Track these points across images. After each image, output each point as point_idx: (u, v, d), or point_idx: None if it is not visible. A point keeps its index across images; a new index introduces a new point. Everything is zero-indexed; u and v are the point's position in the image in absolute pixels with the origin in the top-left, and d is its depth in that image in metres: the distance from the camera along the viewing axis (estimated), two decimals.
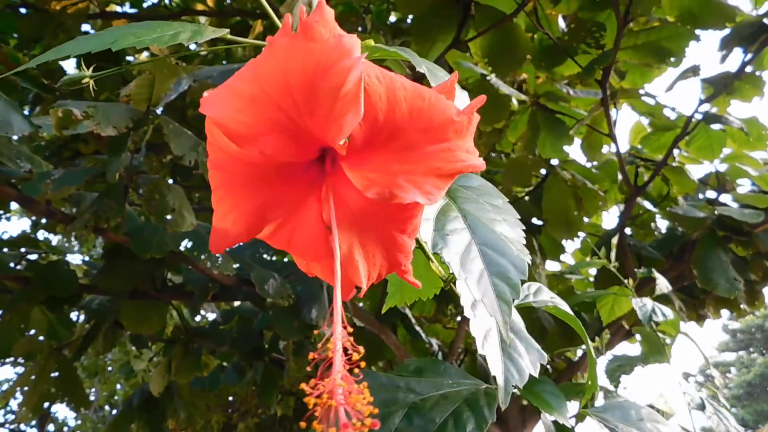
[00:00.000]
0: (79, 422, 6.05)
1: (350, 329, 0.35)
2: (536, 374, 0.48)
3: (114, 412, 5.63)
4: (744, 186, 2.69)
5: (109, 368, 4.61)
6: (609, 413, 0.59)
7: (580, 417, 0.58)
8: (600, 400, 0.66)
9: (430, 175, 0.36)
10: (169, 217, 1.62)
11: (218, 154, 0.37)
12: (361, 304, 2.69)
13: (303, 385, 0.33)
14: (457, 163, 0.35)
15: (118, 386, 5.02)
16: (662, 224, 2.83)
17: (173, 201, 1.65)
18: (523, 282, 0.43)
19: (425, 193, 0.36)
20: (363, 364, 0.34)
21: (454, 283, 0.55)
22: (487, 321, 0.47)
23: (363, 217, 0.41)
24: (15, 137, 1.81)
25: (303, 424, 0.32)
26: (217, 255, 1.81)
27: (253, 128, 0.34)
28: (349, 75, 0.31)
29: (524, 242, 0.45)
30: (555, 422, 0.54)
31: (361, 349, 0.35)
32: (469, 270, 0.42)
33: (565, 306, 0.55)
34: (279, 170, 0.38)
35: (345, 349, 0.34)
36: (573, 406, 0.62)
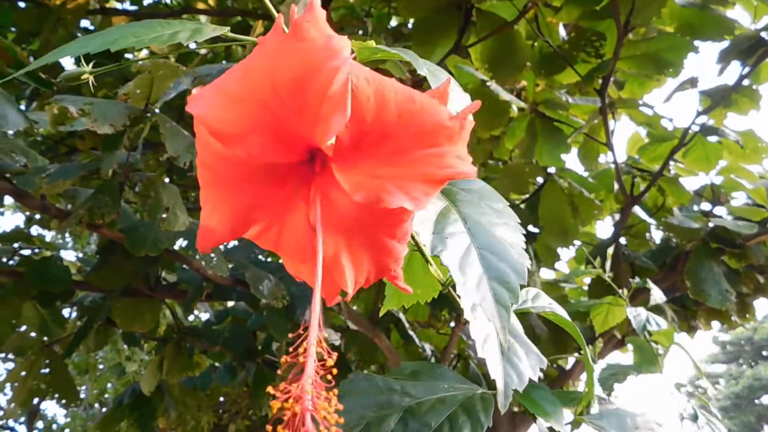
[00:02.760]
0: (68, 420, 6.01)
1: (325, 335, 0.34)
2: (536, 378, 0.48)
3: (104, 410, 5.60)
4: (738, 198, 2.70)
5: (100, 366, 4.58)
6: (605, 420, 0.59)
7: (575, 424, 0.58)
8: (595, 408, 0.66)
9: (418, 181, 0.35)
10: (163, 216, 1.62)
11: (206, 152, 0.36)
12: (355, 308, 2.68)
13: (270, 389, 0.32)
14: (448, 169, 0.35)
15: (109, 385, 4.99)
16: (656, 234, 2.84)
17: (167, 199, 1.64)
18: (522, 287, 0.43)
19: (413, 198, 0.35)
20: (335, 371, 0.33)
21: (453, 287, 0.55)
22: (486, 325, 0.46)
23: (351, 221, 0.40)
24: (10, 132, 1.80)
25: (269, 428, 0.31)
26: (212, 254, 1.81)
27: (239, 127, 0.33)
28: (337, 75, 0.31)
29: (524, 246, 0.44)
30: (550, 428, 0.54)
31: (334, 355, 0.34)
32: (468, 274, 0.42)
33: (563, 312, 0.55)
34: (267, 170, 0.38)
35: (320, 355, 0.33)
36: (566, 414, 0.62)
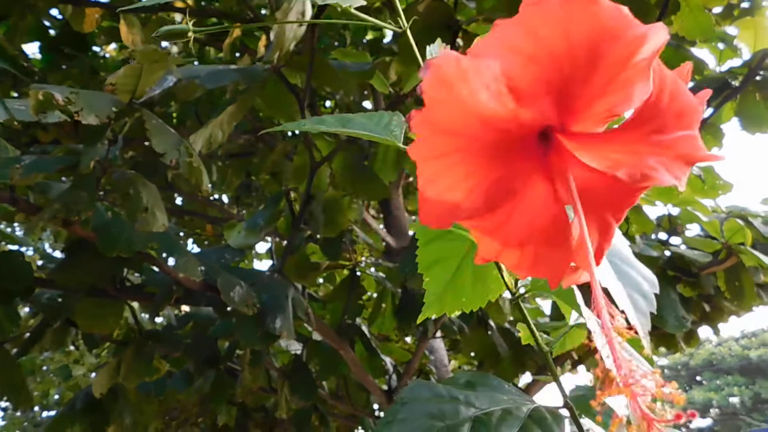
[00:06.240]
0: (4, 423, 5.69)
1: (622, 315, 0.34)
2: (654, 308, 0.46)
3: (45, 414, 5.33)
4: (692, 230, 2.83)
5: (44, 367, 4.36)
6: None
7: None
8: None
9: (678, 160, 0.35)
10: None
11: (459, 115, 0.32)
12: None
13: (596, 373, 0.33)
14: (701, 150, 0.35)
15: (55, 387, 4.75)
16: None
17: (147, 199, 1.60)
18: (655, 295, 0.44)
19: (675, 176, 0.35)
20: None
21: (522, 299, 0.55)
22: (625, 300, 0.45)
23: (588, 201, 0.38)
24: None
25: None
26: (185, 258, 1.76)
27: (534, 86, 0.32)
28: (644, 44, 0.30)
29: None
30: None
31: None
32: (606, 280, 0.42)
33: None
34: (521, 141, 0.35)
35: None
36: None
